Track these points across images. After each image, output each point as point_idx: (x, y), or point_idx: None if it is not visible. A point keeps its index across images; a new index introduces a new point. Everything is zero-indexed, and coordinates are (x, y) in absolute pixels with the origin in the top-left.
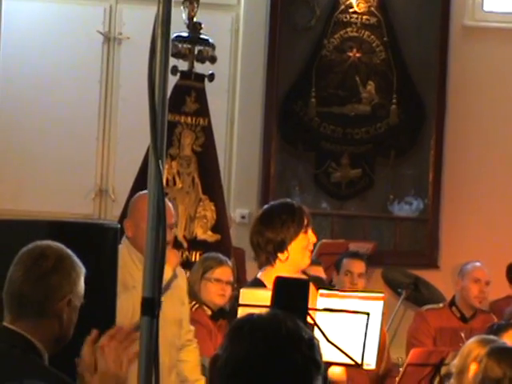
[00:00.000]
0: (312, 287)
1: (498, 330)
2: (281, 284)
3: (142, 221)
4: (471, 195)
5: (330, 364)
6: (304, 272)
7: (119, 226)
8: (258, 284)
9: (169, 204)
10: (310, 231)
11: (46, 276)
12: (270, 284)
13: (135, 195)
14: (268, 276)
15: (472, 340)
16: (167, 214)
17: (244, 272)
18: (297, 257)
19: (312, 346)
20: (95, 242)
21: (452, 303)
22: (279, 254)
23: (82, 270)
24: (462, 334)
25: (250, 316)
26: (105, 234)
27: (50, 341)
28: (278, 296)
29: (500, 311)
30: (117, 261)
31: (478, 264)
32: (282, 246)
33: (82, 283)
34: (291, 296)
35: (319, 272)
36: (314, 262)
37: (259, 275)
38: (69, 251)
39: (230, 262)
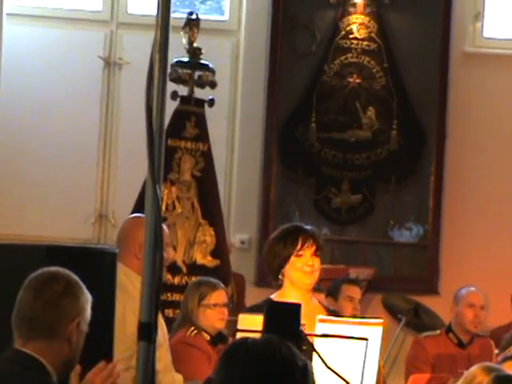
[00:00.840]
0: (313, 314)
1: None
2: (272, 308)
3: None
4: (471, 221)
5: None
6: (323, 305)
7: (117, 250)
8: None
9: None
10: (307, 253)
11: (56, 298)
12: None
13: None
14: (278, 298)
15: (476, 367)
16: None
17: (243, 297)
18: (294, 279)
19: (306, 374)
20: (94, 266)
21: (449, 329)
22: (280, 277)
23: (89, 296)
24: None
25: (245, 340)
26: (103, 258)
27: (59, 363)
28: (269, 320)
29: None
30: (115, 285)
31: (472, 289)
32: (279, 270)
33: (90, 310)
34: (283, 320)
35: (321, 299)
36: (316, 289)
37: (272, 296)
38: (76, 277)
39: (222, 284)
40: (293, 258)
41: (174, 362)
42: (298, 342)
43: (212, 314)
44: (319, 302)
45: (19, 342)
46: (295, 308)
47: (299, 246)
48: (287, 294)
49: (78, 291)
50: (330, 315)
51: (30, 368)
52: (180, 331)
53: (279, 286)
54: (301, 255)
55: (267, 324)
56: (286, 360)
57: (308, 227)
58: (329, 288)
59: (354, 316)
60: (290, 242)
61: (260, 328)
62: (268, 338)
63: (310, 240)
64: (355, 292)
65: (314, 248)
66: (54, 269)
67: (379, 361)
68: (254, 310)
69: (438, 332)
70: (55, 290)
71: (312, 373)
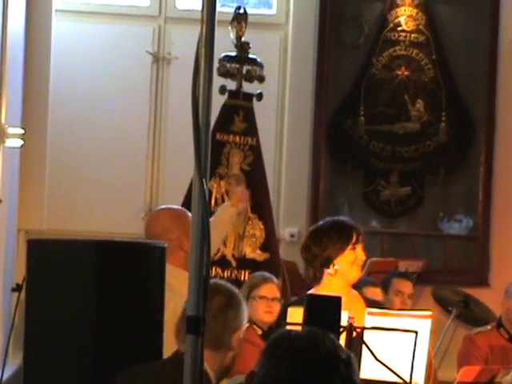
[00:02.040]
0: (364, 306)
1: None
2: (312, 301)
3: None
4: None
5: (378, 383)
6: (361, 295)
7: (166, 245)
8: None
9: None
10: (359, 248)
11: (222, 311)
12: None
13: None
14: (318, 292)
15: None
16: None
17: (300, 282)
18: (344, 271)
19: (349, 366)
20: (143, 261)
21: (499, 324)
22: (326, 270)
23: (245, 307)
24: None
25: (288, 333)
26: (152, 253)
27: (219, 371)
28: (309, 312)
29: None
30: (164, 279)
31: None
32: (327, 262)
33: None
34: (323, 312)
35: (377, 294)
36: (371, 283)
37: (311, 291)
38: (235, 289)
39: (275, 279)
40: (348, 251)
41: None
42: (337, 334)
43: (259, 306)
44: (359, 293)
45: (183, 347)
46: (335, 301)
47: (354, 240)
48: (329, 288)
49: (239, 303)
50: (369, 306)
51: None
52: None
53: (317, 280)
54: (355, 249)
55: (308, 317)
56: (329, 353)
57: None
58: (382, 280)
59: (403, 309)
60: (346, 235)
61: None
62: (311, 331)
63: (360, 234)
64: (405, 286)
65: (364, 243)
66: (213, 281)
67: (429, 353)
68: (302, 302)
69: (489, 327)
70: (220, 302)
71: (355, 365)
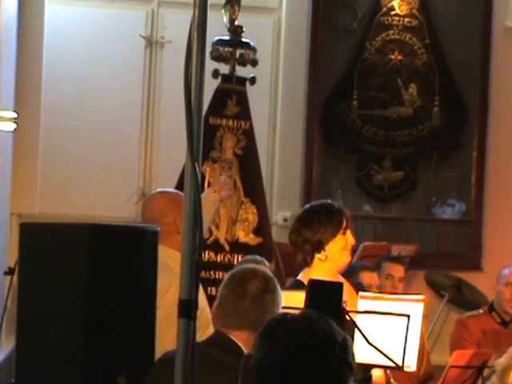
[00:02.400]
0: (352, 290)
1: None
2: (314, 286)
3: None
4: None
5: (371, 366)
6: (349, 281)
7: (159, 229)
8: (299, 285)
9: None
10: (348, 233)
11: (261, 294)
12: None
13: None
14: (308, 277)
15: None
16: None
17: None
18: (335, 256)
19: (345, 348)
20: (135, 245)
21: (491, 308)
22: (317, 254)
23: (280, 291)
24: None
25: (284, 317)
26: (145, 237)
27: None
28: (311, 298)
29: None
30: (157, 263)
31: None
32: (319, 246)
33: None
34: (325, 298)
35: (373, 278)
36: (368, 268)
37: (299, 276)
38: (271, 274)
39: (267, 263)
40: (339, 236)
41: None
42: (339, 320)
43: None
44: (344, 278)
45: (224, 330)
46: (337, 286)
47: (345, 224)
48: (318, 272)
49: (275, 287)
50: (357, 289)
51: (230, 351)
52: None
53: (308, 264)
54: (345, 233)
55: (309, 302)
56: (325, 335)
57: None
58: (374, 264)
59: (396, 293)
60: (337, 220)
61: (301, 305)
62: (307, 314)
63: (350, 219)
64: (395, 270)
65: (353, 227)
66: (251, 266)
67: (422, 337)
68: (298, 286)
69: (481, 311)
70: (258, 286)
71: (351, 347)
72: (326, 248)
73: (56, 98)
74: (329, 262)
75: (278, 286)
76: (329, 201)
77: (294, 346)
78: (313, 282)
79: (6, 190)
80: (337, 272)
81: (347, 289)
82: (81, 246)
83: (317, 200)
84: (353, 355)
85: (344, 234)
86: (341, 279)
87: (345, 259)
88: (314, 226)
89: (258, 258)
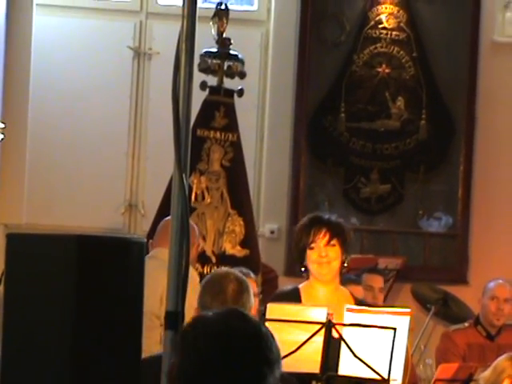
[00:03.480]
0: (340, 303)
1: None
2: None
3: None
4: (501, 210)
5: (356, 379)
6: (354, 296)
7: (146, 240)
8: (294, 293)
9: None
10: (318, 244)
11: (240, 296)
12: (305, 296)
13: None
14: (305, 288)
15: (506, 356)
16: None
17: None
18: (312, 271)
19: (264, 344)
20: (122, 256)
21: (477, 322)
22: (303, 269)
23: None
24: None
25: (195, 321)
26: (131, 248)
27: None
28: None
29: None
30: (143, 275)
31: (499, 281)
32: (301, 263)
33: None
34: None
35: (358, 291)
36: (353, 281)
37: (300, 285)
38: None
39: (252, 275)
40: (308, 252)
41: None
42: None
43: None
44: (350, 292)
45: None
46: None
47: (311, 239)
48: (313, 285)
49: (248, 286)
50: (359, 305)
51: None
52: None
53: (306, 277)
54: (313, 248)
55: None
56: (242, 333)
57: (325, 217)
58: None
59: (376, 305)
60: (305, 236)
61: (288, 317)
62: (222, 312)
63: (323, 230)
64: (375, 281)
65: (326, 238)
66: (222, 271)
67: (407, 350)
68: (281, 297)
69: (467, 324)
70: (235, 289)
71: (271, 342)
72: (305, 264)
73: (43, 108)
74: (313, 276)
75: (249, 284)
76: (317, 214)
77: (210, 347)
78: None
79: None
80: (329, 284)
81: (347, 302)
82: (68, 257)
83: (304, 212)
84: (271, 350)
85: (312, 248)
86: (342, 292)
87: (320, 271)
88: (293, 245)
89: (243, 270)
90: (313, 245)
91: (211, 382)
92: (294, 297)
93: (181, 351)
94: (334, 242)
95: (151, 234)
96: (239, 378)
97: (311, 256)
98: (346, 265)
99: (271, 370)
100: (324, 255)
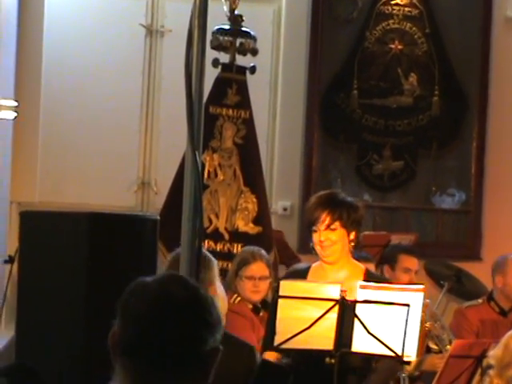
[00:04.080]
0: (356, 278)
1: None
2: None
3: None
4: None
5: (371, 356)
6: (368, 271)
7: (159, 218)
8: (304, 271)
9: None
10: (319, 228)
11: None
12: (312, 274)
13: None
14: (315, 267)
15: None
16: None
17: (286, 250)
18: (317, 252)
19: (202, 307)
20: (135, 233)
21: (490, 298)
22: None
23: None
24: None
25: (134, 287)
26: (144, 225)
27: None
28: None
29: None
30: (156, 252)
31: (510, 257)
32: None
33: None
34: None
35: (371, 268)
36: (364, 258)
37: (314, 264)
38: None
39: (265, 255)
40: (313, 235)
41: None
42: None
43: (246, 286)
44: (364, 266)
45: None
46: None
47: (313, 222)
48: (322, 264)
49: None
50: (370, 279)
51: None
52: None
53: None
54: (315, 231)
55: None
56: (180, 297)
57: (329, 199)
58: (385, 255)
59: (388, 281)
60: (307, 220)
61: (301, 294)
62: (159, 278)
63: (323, 215)
64: (412, 263)
65: (326, 223)
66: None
67: (422, 326)
68: (295, 275)
69: (480, 301)
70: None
71: (211, 305)
72: (312, 245)
73: (56, 87)
74: (319, 257)
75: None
76: (325, 192)
77: (147, 313)
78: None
79: (6, 178)
80: (337, 261)
81: (359, 278)
82: (80, 235)
83: (317, 189)
84: (212, 313)
85: (314, 231)
86: (353, 264)
87: (322, 253)
88: (304, 219)
89: (255, 250)
90: (314, 227)
91: (150, 347)
92: (302, 275)
93: (120, 317)
94: (334, 226)
95: (164, 211)
96: (178, 342)
97: (314, 238)
98: (353, 244)
99: (211, 334)
100: (324, 239)
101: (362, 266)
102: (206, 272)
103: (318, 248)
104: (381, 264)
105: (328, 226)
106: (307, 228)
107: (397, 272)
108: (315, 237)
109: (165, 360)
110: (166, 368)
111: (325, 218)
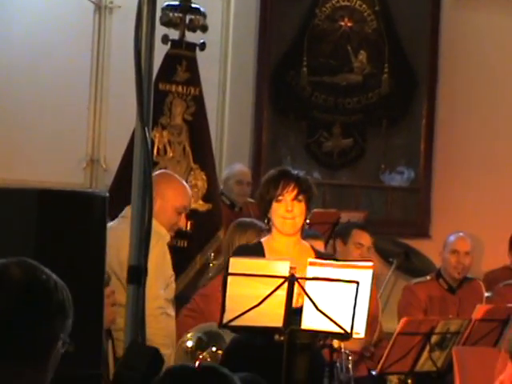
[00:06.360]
0: (307, 256)
1: None
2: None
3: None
4: (463, 164)
5: (320, 333)
6: (314, 249)
7: (108, 194)
8: (258, 247)
9: (186, 186)
10: (286, 197)
11: None
12: (268, 249)
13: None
14: (268, 242)
15: None
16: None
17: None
18: (276, 224)
19: (49, 291)
20: (84, 210)
21: (438, 275)
22: (266, 222)
23: None
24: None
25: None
26: (93, 202)
27: None
28: None
29: (496, 281)
30: (105, 229)
31: (460, 234)
32: (265, 215)
33: None
34: None
35: (320, 246)
36: (313, 236)
37: (263, 239)
38: None
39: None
40: (274, 204)
41: (215, 308)
42: None
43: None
44: (310, 245)
45: None
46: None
47: (279, 191)
48: (275, 238)
49: None
50: (319, 258)
51: None
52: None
53: (269, 230)
54: (281, 200)
55: None
56: (22, 281)
57: (294, 172)
58: (338, 229)
59: (338, 258)
60: (272, 187)
61: (250, 271)
62: (17, 258)
63: (292, 185)
64: (365, 239)
65: (294, 193)
66: None
67: (370, 305)
68: (244, 251)
69: (428, 278)
70: None
71: (61, 289)
72: (269, 216)
73: (3, 62)
74: (276, 230)
75: None
76: (284, 167)
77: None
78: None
79: None
80: (290, 237)
81: (309, 256)
82: (29, 212)
83: (266, 167)
84: (61, 294)
85: (279, 201)
86: (303, 245)
87: (285, 229)
88: (259, 196)
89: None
90: (280, 197)
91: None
92: (257, 250)
93: None
94: (301, 197)
95: (113, 188)
96: (23, 327)
97: (278, 209)
98: (308, 221)
99: (46, 320)
100: (290, 209)
101: (307, 244)
102: None
103: (279, 220)
104: (333, 238)
105: (295, 197)
106: (266, 199)
107: (349, 246)
108: (280, 207)
109: None
110: None
111: (293, 189)
